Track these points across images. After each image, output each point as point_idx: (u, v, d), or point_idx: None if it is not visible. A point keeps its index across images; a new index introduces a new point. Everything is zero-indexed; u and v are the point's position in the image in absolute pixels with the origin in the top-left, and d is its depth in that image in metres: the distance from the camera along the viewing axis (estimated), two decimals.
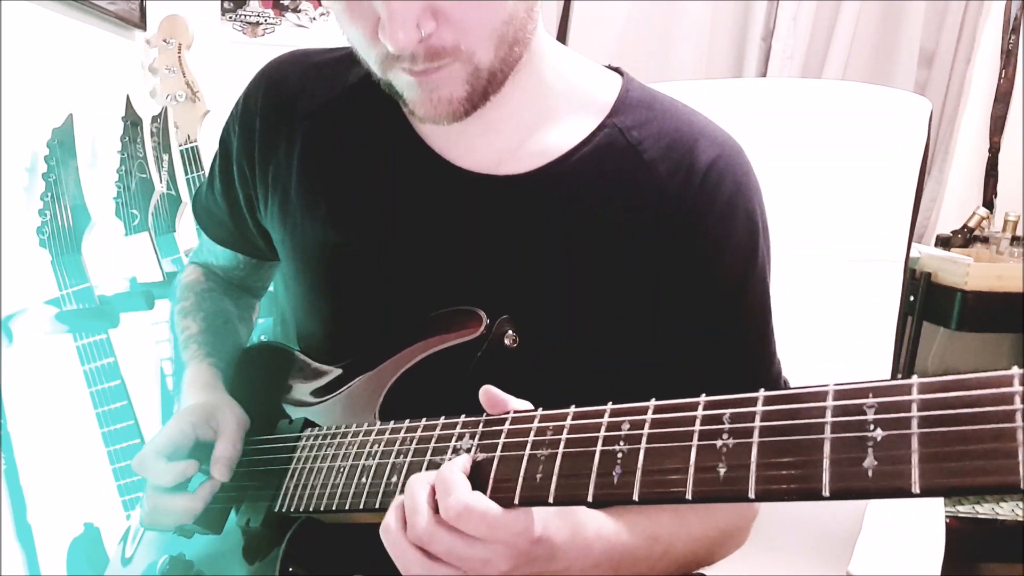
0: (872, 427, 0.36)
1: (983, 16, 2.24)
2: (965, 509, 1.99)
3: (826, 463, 0.37)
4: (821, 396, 0.39)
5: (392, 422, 0.59)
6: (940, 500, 0.94)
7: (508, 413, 0.52)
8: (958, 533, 1.90)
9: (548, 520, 0.50)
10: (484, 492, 0.49)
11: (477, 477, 0.50)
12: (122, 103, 1.52)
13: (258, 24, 2.12)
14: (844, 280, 1.00)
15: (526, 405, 0.53)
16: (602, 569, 0.56)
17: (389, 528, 0.51)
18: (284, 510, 0.64)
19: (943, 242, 2.21)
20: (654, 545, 0.60)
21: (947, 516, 1.75)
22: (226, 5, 2.10)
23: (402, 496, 0.51)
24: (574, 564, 0.53)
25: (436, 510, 0.49)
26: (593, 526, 0.55)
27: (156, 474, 0.67)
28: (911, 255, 0.99)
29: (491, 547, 0.48)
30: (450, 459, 0.52)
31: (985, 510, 2.00)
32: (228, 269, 0.89)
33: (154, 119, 1.66)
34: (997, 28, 2.26)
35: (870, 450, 0.36)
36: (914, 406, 0.36)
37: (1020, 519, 1.96)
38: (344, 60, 0.73)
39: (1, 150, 1.20)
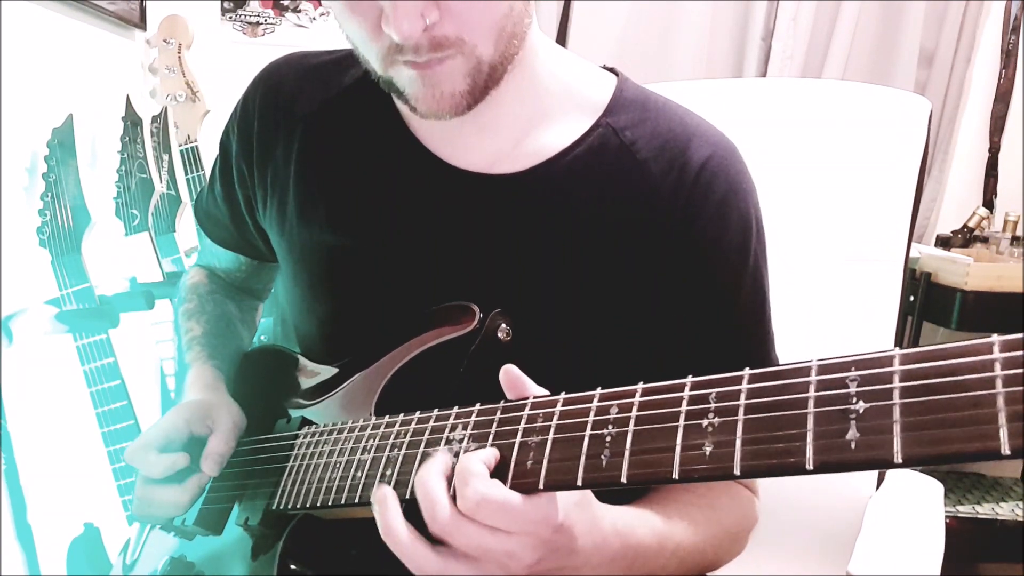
0: (855, 400, 0.37)
1: (983, 16, 2.24)
2: (965, 509, 1.99)
3: (809, 437, 0.37)
4: (804, 371, 0.39)
5: (387, 416, 0.60)
6: (940, 500, 0.94)
7: (527, 398, 0.51)
8: (958, 533, 1.90)
9: (568, 509, 0.49)
10: (504, 481, 0.48)
11: (496, 467, 0.49)
12: (122, 103, 1.52)
13: (258, 24, 2.13)
14: (844, 280, 1.00)
15: (543, 391, 0.52)
16: (617, 566, 0.55)
17: (394, 529, 0.50)
18: (282, 507, 0.65)
19: (943, 242, 2.21)
20: (665, 543, 0.59)
21: (947, 516, 1.75)
22: (226, 5, 2.11)
23: (384, 495, 0.51)
24: (591, 558, 0.52)
25: (455, 501, 0.48)
26: (609, 519, 0.55)
27: (146, 465, 0.67)
28: (911, 255, 0.99)
29: (515, 538, 0.47)
30: (443, 450, 0.52)
31: (985, 510, 2.00)
32: (230, 272, 0.90)
33: (154, 119, 1.66)
34: (997, 28, 2.26)
35: (853, 423, 0.36)
36: (895, 377, 0.36)
37: (1020, 519, 1.96)
38: (341, 62, 0.73)
39: (1, 150, 1.20)
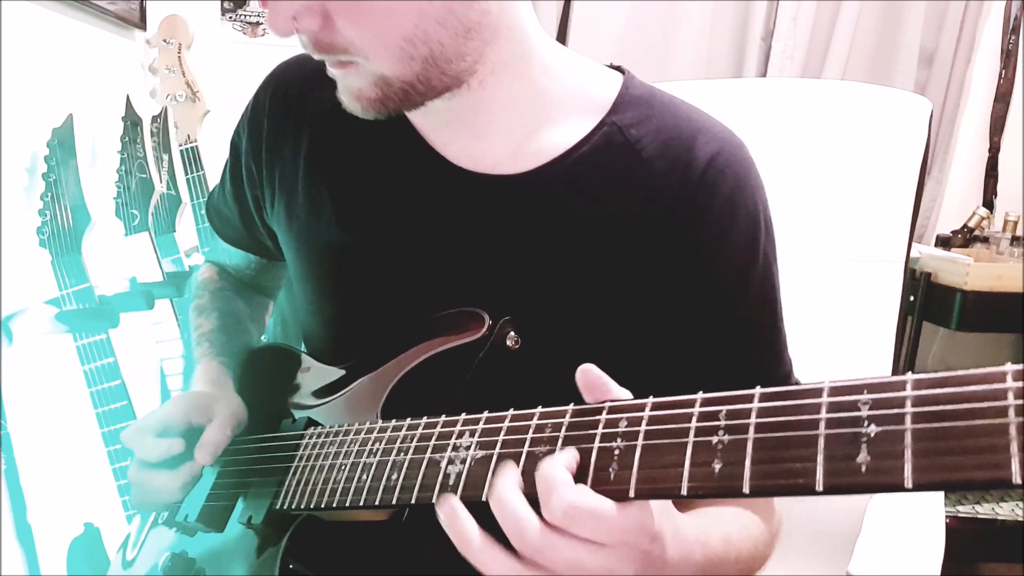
0: (866, 423, 0.37)
1: (983, 16, 2.24)
2: (965, 509, 1.99)
3: (820, 459, 0.37)
4: (816, 393, 0.39)
5: (393, 420, 0.60)
6: (940, 500, 0.94)
7: (607, 401, 0.48)
8: (958, 533, 1.90)
9: (659, 517, 0.46)
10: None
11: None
12: (122, 103, 1.52)
13: (258, 24, 2.12)
14: (844, 280, 1.00)
15: (627, 393, 0.49)
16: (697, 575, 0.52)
17: (470, 540, 0.46)
18: (285, 507, 0.65)
19: (943, 242, 2.21)
20: (729, 549, 0.58)
21: (947, 516, 1.75)
22: (226, 5, 2.11)
23: (452, 506, 0.47)
24: (679, 570, 0.48)
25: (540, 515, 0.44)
26: (689, 527, 0.51)
27: (143, 448, 0.68)
28: (911, 255, 0.99)
29: (611, 551, 0.44)
30: (449, 457, 0.52)
31: (985, 510, 2.00)
32: (240, 269, 0.91)
33: (154, 119, 1.66)
34: (997, 28, 2.26)
35: (864, 446, 0.36)
36: (908, 402, 0.36)
37: (1020, 519, 1.96)
38: None
39: (1, 150, 1.20)
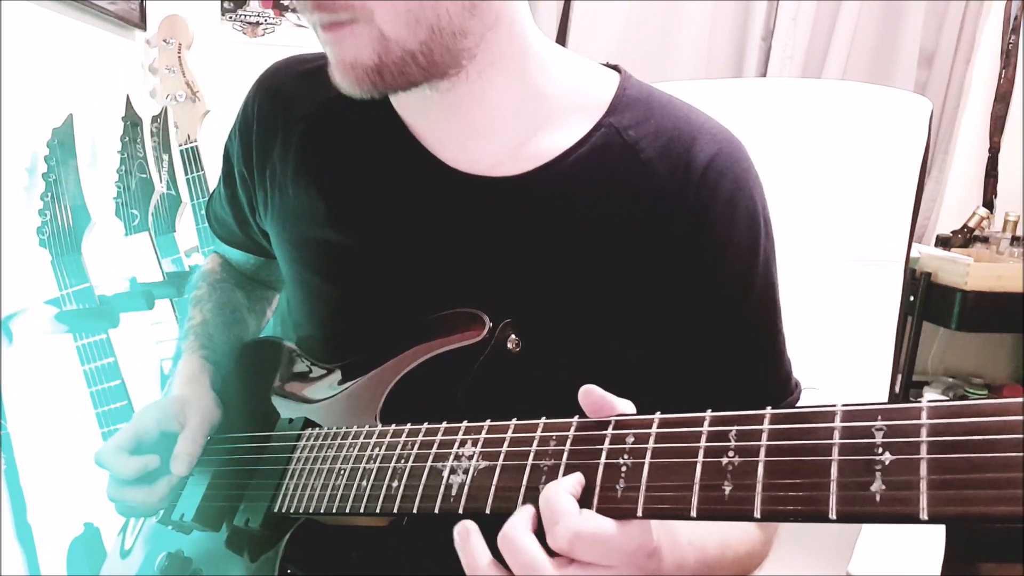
0: (880, 450, 0.36)
1: (983, 16, 2.24)
2: None
3: (833, 486, 0.36)
4: (829, 416, 0.38)
5: (393, 425, 0.59)
6: None
7: (613, 417, 0.48)
8: (958, 533, 1.90)
9: (658, 532, 0.47)
10: (590, 507, 0.45)
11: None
12: (122, 103, 1.52)
13: (258, 24, 2.12)
14: (844, 280, 1.00)
15: (630, 407, 0.48)
16: None
17: (481, 567, 0.46)
18: (283, 510, 0.64)
19: (943, 242, 2.21)
20: (726, 551, 0.59)
21: None
22: (226, 5, 2.11)
23: (467, 530, 0.47)
24: (672, 572, 0.50)
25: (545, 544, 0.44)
26: (684, 534, 0.52)
27: (119, 467, 0.69)
28: (911, 255, 0.99)
29: (611, 570, 0.44)
30: (451, 467, 0.51)
31: None
32: (241, 264, 0.92)
33: (154, 119, 1.66)
34: (997, 28, 2.26)
35: (878, 474, 0.35)
36: (923, 431, 0.35)
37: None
38: None
39: (1, 150, 1.20)
